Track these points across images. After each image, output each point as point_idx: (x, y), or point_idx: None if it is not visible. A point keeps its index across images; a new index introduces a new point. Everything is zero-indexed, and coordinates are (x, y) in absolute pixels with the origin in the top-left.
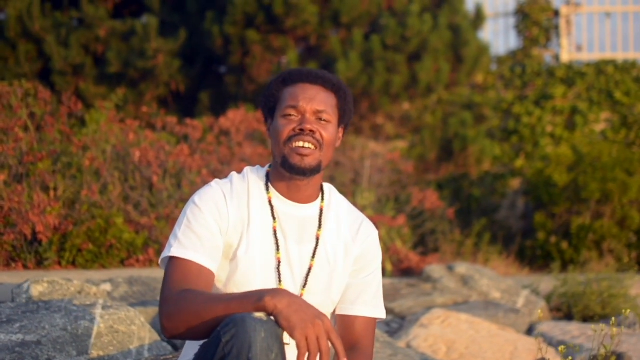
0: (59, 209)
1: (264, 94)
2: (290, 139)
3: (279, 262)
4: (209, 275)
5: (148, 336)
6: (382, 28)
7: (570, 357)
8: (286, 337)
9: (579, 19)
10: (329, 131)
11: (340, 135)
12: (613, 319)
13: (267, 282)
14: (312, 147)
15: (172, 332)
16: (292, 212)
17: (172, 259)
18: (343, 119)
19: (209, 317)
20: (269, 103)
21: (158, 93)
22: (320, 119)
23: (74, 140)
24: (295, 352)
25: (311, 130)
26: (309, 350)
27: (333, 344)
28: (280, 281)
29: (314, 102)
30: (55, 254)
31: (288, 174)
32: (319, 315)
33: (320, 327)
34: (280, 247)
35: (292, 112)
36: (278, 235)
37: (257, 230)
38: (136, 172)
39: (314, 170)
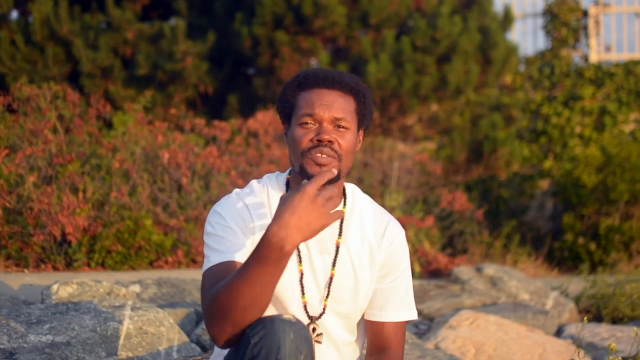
0: (88, 210)
1: (280, 99)
2: (308, 150)
3: (302, 274)
4: None
5: (177, 337)
6: (411, 29)
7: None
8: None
9: (607, 19)
10: (347, 139)
11: (361, 138)
12: None
13: (293, 294)
14: (331, 158)
15: (220, 337)
16: None
17: (208, 269)
18: (362, 122)
19: (238, 297)
20: (285, 108)
21: (186, 95)
22: (339, 127)
23: (103, 142)
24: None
25: (329, 141)
26: None
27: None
28: (303, 294)
29: (332, 110)
30: (84, 256)
31: None
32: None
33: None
34: (302, 259)
35: (309, 120)
36: (300, 246)
37: None
38: (165, 174)
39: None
